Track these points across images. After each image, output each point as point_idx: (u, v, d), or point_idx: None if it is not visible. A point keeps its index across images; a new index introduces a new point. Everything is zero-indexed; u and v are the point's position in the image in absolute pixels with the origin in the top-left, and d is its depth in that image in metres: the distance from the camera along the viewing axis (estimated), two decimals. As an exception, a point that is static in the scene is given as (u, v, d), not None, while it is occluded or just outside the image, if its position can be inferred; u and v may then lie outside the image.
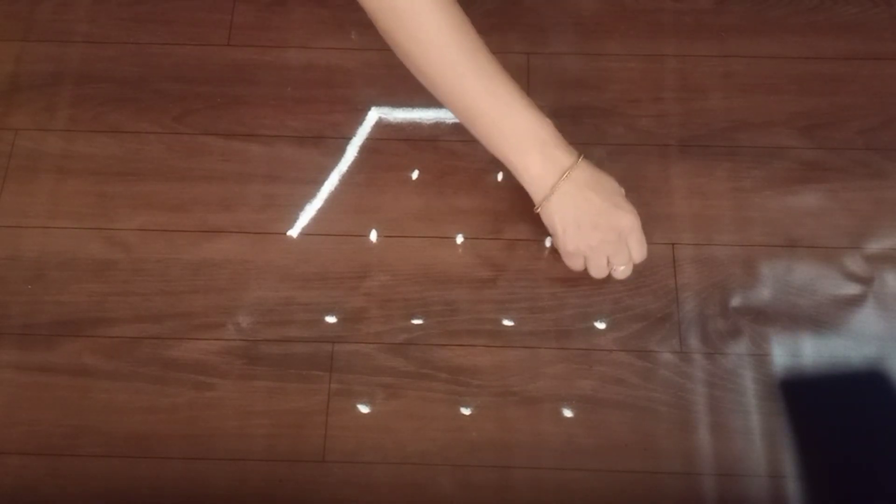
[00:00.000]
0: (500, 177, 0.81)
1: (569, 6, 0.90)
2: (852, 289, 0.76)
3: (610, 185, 0.68)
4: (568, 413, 0.72)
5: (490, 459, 0.70)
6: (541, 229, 0.78)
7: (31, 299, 0.76)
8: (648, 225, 0.78)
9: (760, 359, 0.73)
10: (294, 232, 0.79)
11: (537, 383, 0.73)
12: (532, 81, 0.85)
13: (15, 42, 0.88)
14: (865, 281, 0.76)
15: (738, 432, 0.71)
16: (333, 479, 0.70)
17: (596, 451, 0.70)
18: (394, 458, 0.70)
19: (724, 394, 0.72)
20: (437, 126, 0.83)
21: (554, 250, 0.75)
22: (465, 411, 0.72)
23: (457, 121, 0.81)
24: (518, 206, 0.79)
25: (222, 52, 0.87)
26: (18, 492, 0.70)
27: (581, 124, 0.83)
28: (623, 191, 0.69)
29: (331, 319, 0.75)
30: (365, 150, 0.82)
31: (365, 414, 0.72)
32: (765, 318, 0.75)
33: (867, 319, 0.75)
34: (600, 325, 0.74)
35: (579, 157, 0.67)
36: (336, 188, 0.81)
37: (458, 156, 0.81)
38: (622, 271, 0.71)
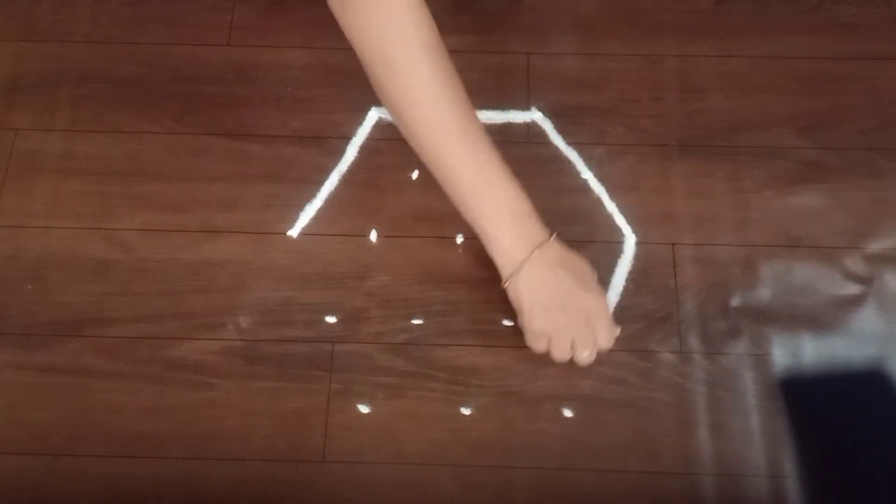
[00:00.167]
0: (500, 177, 0.80)
1: (569, 6, 0.90)
2: (852, 289, 0.76)
3: (582, 266, 0.67)
4: (568, 413, 0.72)
5: (490, 459, 0.70)
6: (541, 229, 0.78)
7: (31, 299, 0.76)
8: (649, 225, 0.79)
9: (760, 359, 0.73)
10: (294, 232, 0.79)
11: (537, 383, 0.73)
12: (532, 81, 0.85)
13: (15, 42, 0.88)
14: (865, 281, 0.76)
15: (738, 432, 0.71)
16: (333, 479, 0.70)
17: (596, 451, 0.70)
18: (394, 458, 0.70)
19: (724, 394, 0.72)
20: (437, 126, 0.83)
21: (515, 328, 0.72)
22: (465, 411, 0.72)
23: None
24: (518, 206, 0.79)
25: (222, 52, 0.87)
26: (18, 492, 0.70)
27: (581, 124, 0.83)
28: (595, 274, 0.68)
29: (331, 319, 0.75)
30: (365, 150, 0.82)
31: (365, 414, 0.72)
32: (765, 318, 0.75)
33: (867, 319, 0.75)
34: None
35: (552, 235, 0.65)
36: (336, 188, 0.81)
37: (458, 156, 0.81)
38: (585, 356, 0.67)
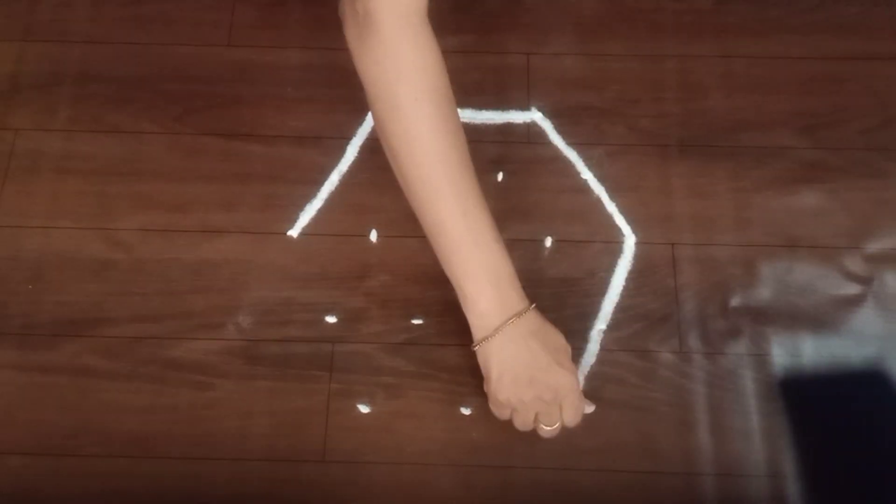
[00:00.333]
0: (500, 177, 0.81)
1: (569, 6, 0.90)
2: (852, 289, 0.76)
3: (557, 340, 0.63)
4: (568, 413, 0.71)
5: (490, 459, 0.70)
6: (541, 229, 0.79)
7: (31, 299, 0.76)
8: (649, 225, 0.79)
9: (760, 359, 0.73)
10: (294, 232, 0.79)
11: (537, 383, 0.72)
12: (532, 81, 0.85)
13: (15, 42, 0.88)
14: (865, 281, 0.76)
15: (738, 432, 0.71)
16: (333, 479, 0.70)
17: (596, 451, 0.70)
18: (394, 458, 0.70)
19: (724, 394, 0.72)
20: (437, 126, 0.83)
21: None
22: (465, 411, 0.72)
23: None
24: (518, 207, 0.79)
25: (222, 52, 0.87)
26: (18, 492, 0.70)
27: (581, 124, 0.83)
28: (570, 349, 0.64)
29: (331, 319, 0.75)
30: (365, 150, 0.82)
31: (365, 414, 0.72)
32: (765, 318, 0.75)
33: (867, 319, 0.75)
34: (600, 325, 0.74)
35: (531, 306, 0.63)
36: (336, 188, 0.81)
37: (458, 156, 0.81)
38: (547, 432, 0.65)
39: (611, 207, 0.79)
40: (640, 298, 0.76)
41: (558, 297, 0.76)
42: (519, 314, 0.62)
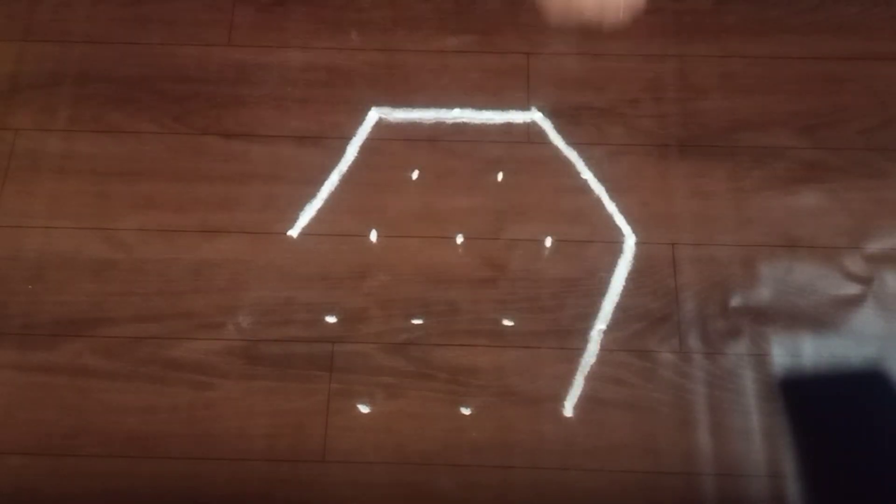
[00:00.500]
0: (500, 176, 0.81)
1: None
2: (852, 289, 0.76)
3: None
4: (568, 413, 0.72)
5: (490, 459, 0.70)
6: (541, 229, 0.79)
7: (31, 299, 0.76)
8: (649, 225, 0.79)
9: (760, 359, 0.73)
10: (294, 232, 0.79)
11: (537, 383, 0.73)
12: (532, 81, 0.85)
13: (15, 42, 0.88)
14: (865, 281, 0.76)
15: (738, 432, 0.71)
16: (333, 479, 0.70)
17: (596, 451, 0.70)
18: (394, 458, 0.70)
19: (724, 394, 0.72)
20: (437, 126, 0.83)
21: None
22: (465, 411, 0.72)
23: (457, 120, 0.81)
24: (518, 207, 0.79)
25: (222, 52, 0.87)
26: (18, 492, 0.70)
27: (581, 124, 0.83)
28: None
29: (331, 319, 0.75)
30: (365, 150, 0.82)
31: (365, 414, 0.72)
32: (765, 318, 0.75)
33: (867, 319, 0.75)
34: (600, 325, 0.74)
35: None
36: (336, 188, 0.81)
37: (458, 156, 0.81)
38: None
39: (611, 207, 0.79)
40: (640, 298, 0.76)
41: (558, 297, 0.76)
42: None
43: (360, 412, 0.72)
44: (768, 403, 0.72)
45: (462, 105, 0.83)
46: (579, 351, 0.74)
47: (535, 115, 0.83)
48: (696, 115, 0.83)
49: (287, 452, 0.71)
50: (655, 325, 0.75)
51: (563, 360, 0.73)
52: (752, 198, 0.80)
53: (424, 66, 0.86)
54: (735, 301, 0.75)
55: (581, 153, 0.82)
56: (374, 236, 0.78)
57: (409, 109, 0.84)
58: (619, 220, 0.79)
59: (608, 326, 0.75)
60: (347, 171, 0.81)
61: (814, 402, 0.72)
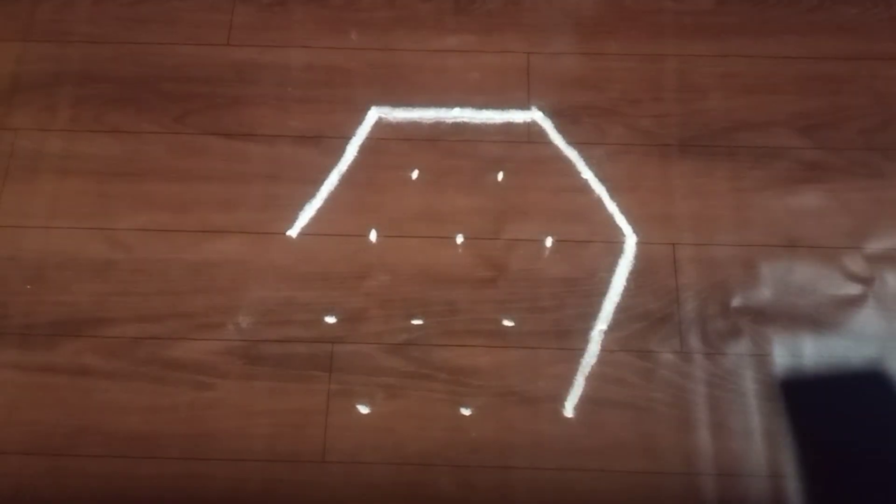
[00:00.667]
0: (500, 176, 0.81)
1: (569, 6, 0.90)
2: (852, 289, 0.76)
3: None
4: (568, 413, 0.72)
5: (490, 459, 0.70)
6: (541, 229, 0.79)
7: (31, 299, 0.76)
8: (649, 225, 0.79)
9: (760, 359, 0.73)
10: (294, 232, 0.79)
11: (537, 383, 0.73)
12: (532, 81, 0.85)
13: (15, 42, 0.88)
14: (865, 281, 0.76)
15: (738, 432, 0.71)
16: (333, 479, 0.70)
17: (596, 451, 0.70)
18: (394, 458, 0.70)
19: (724, 394, 0.72)
20: (437, 126, 0.83)
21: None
22: (465, 411, 0.72)
23: (457, 120, 0.81)
24: (518, 207, 0.79)
25: (222, 52, 0.87)
26: (18, 492, 0.70)
27: (581, 124, 0.83)
28: None
29: (331, 319, 0.75)
30: (365, 149, 0.82)
31: (365, 414, 0.72)
32: (765, 318, 0.75)
33: (867, 319, 0.75)
34: (601, 325, 0.74)
35: None
36: (336, 188, 0.81)
37: (458, 156, 0.81)
38: None
39: (611, 207, 0.79)
40: (641, 298, 0.76)
41: (558, 297, 0.76)
42: None
43: (359, 412, 0.72)
44: (768, 403, 0.72)
45: (462, 105, 0.83)
46: (579, 351, 0.74)
47: (535, 115, 0.83)
48: (696, 115, 0.83)
49: (287, 452, 0.71)
50: (656, 325, 0.75)
51: (563, 360, 0.73)
52: (752, 198, 0.80)
53: (424, 66, 0.86)
54: (735, 301, 0.75)
55: (581, 153, 0.82)
56: (373, 236, 0.78)
57: (409, 109, 0.84)
58: (620, 219, 0.79)
59: (608, 326, 0.75)
60: (347, 170, 0.81)
61: (814, 402, 0.72)
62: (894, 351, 0.74)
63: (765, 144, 0.82)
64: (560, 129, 0.83)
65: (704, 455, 0.70)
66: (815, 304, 0.75)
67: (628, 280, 0.76)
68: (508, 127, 0.83)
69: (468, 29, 0.88)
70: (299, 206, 0.80)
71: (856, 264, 0.77)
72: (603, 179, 0.81)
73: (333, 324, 0.75)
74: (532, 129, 0.83)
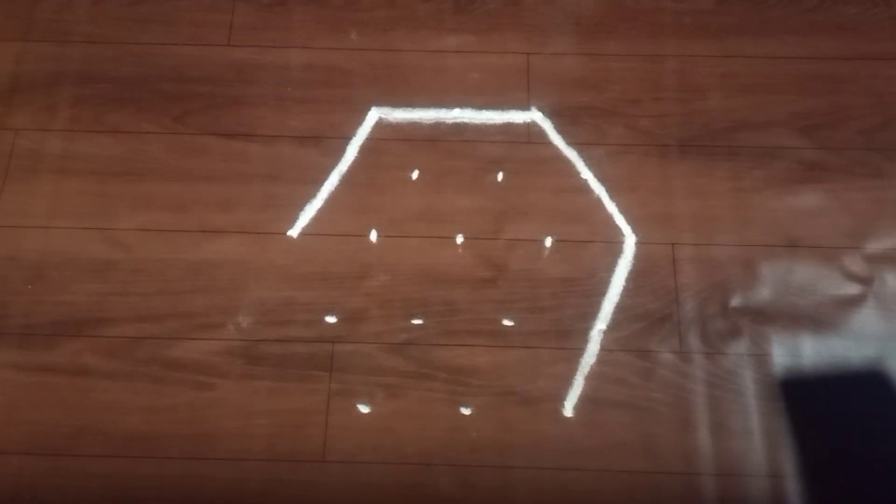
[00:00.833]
0: (500, 176, 0.81)
1: (569, 6, 0.90)
2: (852, 289, 0.76)
3: None
4: (568, 413, 0.72)
5: (490, 459, 0.70)
6: (541, 229, 0.79)
7: (31, 299, 0.76)
8: (649, 225, 0.79)
9: (760, 359, 0.73)
10: (294, 232, 0.79)
11: (537, 383, 0.73)
12: (532, 82, 0.85)
13: (15, 42, 0.88)
14: (865, 281, 0.76)
15: (738, 432, 0.71)
16: (333, 479, 0.70)
17: (596, 451, 0.70)
18: (394, 458, 0.70)
19: (724, 394, 0.72)
20: (437, 126, 0.83)
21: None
22: (465, 411, 0.72)
23: (457, 120, 0.81)
24: (518, 207, 0.79)
25: (222, 52, 0.87)
26: (18, 492, 0.70)
27: (581, 124, 0.83)
28: None
29: (331, 319, 0.75)
30: (365, 150, 0.82)
31: (365, 414, 0.72)
32: (765, 318, 0.75)
33: (867, 319, 0.75)
34: (600, 325, 0.74)
35: None
36: (336, 188, 0.81)
37: (458, 156, 0.81)
38: None
39: (611, 207, 0.79)
40: (640, 298, 0.76)
41: (558, 297, 0.76)
42: None
43: (359, 412, 0.72)
44: (768, 403, 0.72)
45: (462, 105, 0.84)
46: (579, 351, 0.74)
47: (535, 115, 0.83)
48: (696, 115, 0.83)
49: (287, 452, 0.71)
50: (655, 325, 0.75)
51: (563, 360, 0.73)
52: (752, 198, 0.80)
53: (424, 66, 0.86)
54: (735, 301, 0.75)
55: (581, 153, 0.82)
56: (374, 236, 0.78)
57: (409, 109, 0.84)
58: (619, 220, 0.79)
59: (608, 326, 0.75)
60: (347, 171, 0.81)
61: (814, 402, 0.72)
62: (894, 351, 0.74)
63: (765, 144, 0.82)
64: (560, 130, 0.83)
65: (704, 455, 0.70)
66: (815, 304, 0.75)
67: (628, 280, 0.76)
68: (508, 127, 0.83)
69: (468, 29, 0.88)
70: (299, 206, 0.80)
71: (856, 264, 0.77)
72: (603, 179, 0.81)
73: (334, 323, 0.75)
74: (532, 130, 0.83)
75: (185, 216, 0.79)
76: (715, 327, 0.74)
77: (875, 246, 0.77)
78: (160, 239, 0.78)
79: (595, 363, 0.73)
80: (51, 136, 0.83)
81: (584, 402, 0.72)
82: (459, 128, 0.82)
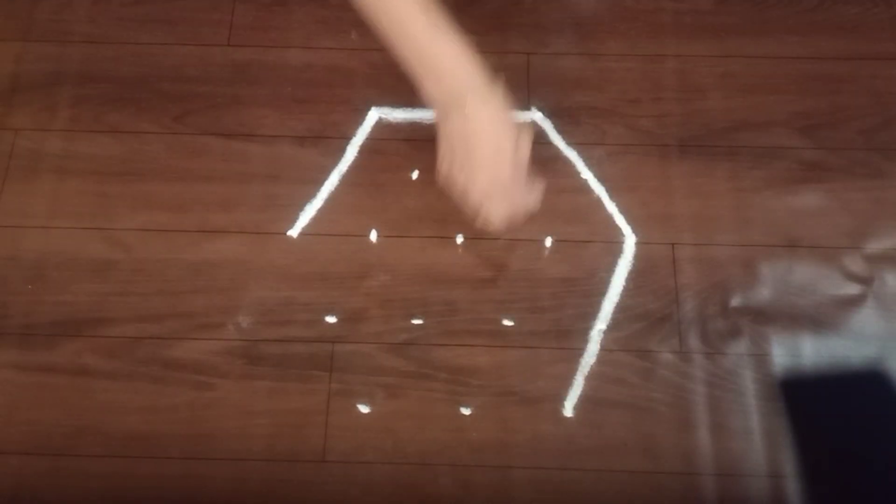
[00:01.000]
0: (500, 177, 0.80)
1: (569, 6, 0.90)
2: (852, 289, 0.76)
3: (509, 127, 0.65)
4: (568, 413, 0.72)
5: (490, 459, 0.70)
6: (541, 229, 0.79)
7: (31, 299, 0.76)
8: (649, 225, 0.79)
9: (760, 359, 0.73)
10: (294, 232, 0.79)
11: (537, 383, 0.73)
12: (532, 81, 0.85)
13: (15, 42, 0.88)
14: (865, 281, 0.76)
15: (738, 432, 0.71)
16: (333, 479, 0.70)
17: (596, 451, 0.70)
18: (394, 458, 0.70)
19: (724, 394, 0.72)
20: (437, 126, 0.83)
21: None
22: (465, 411, 0.72)
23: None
24: (518, 206, 0.79)
25: (222, 52, 0.87)
26: (18, 492, 0.70)
27: (581, 124, 0.83)
28: (523, 138, 0.66)
29: (331, 319, 0.75)
30: (365, 150, 0.82)
31: (365, 414, 0.72)
32: (765, 318, 0.75)
33: (867, 319, 0.75)
34: (600, 325, 0.74)
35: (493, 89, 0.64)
36: (336, 188, 0.81)
37: (458, 156, 0.81)
38: (493, 217, 0.66)
39: (611, 207, 0.79)
40: (640, 298, 0.76)
41: (558, 297, 0.76)
42: (476, 94, 0.65)
43: (359, 412, 0.72)
44: (768, 403, 0.72)
45: (462, 105, 0.83)
46: (579, 351, 0.74)
47: (535, 115, 0.83)
48: (695, 115, 0.83)
49: (287, 452, 0.71)
50: (655, 325, 0.75)
51: (563, 360, 0.73)
52: (752, 198, 0.80)
53: (424, 66, 0.85)
54: (735, 301, 0.75)
55: (581, 153, 0.82)
56: (374, 236, 0.78)
57: (409, 109, 0.84)
58: (619, 220, 0.79)
59: (608, 326, 0.75)
60: (347, 171, 0.81)
61: (814, 402, 0.72)
62: (894, 351, 0.74)
63: (765, 144, 0.82)
64: (560, 130, 0.83)
65: (704, 455, 0.70)
66: (815, 304, 0.75)
67: (628, 280, 0.76)
68: (508, 127, 0.83)
69: (468, 29, 0.88)
70: (299, 207, 0.80)
71: (856, 264, 0.77)
72: (603, 180, 0.81)
73: (334, 323, 0.75)
74: (532, 130, 0.83)
75: (185, 216, 0.79)
76: (715, 327, 0.74)
77: (875, 246, 0.78)
78: (160, 239, 0.78)
79: (595, 363, 0.73)
80: (51, 136, 0.83)
81: (584, 402, 0.72)
82: (459, 128, 0.82)
